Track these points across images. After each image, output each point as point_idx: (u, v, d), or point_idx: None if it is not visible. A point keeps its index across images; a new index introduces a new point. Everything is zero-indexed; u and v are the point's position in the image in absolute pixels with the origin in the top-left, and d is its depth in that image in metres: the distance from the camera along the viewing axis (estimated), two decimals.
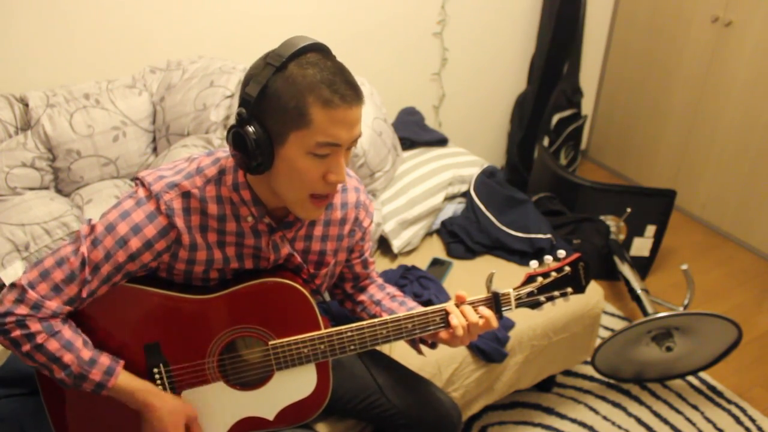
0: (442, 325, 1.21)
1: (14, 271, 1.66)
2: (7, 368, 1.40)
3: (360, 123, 1.04)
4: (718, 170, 2.95)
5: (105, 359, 1.10)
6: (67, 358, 1.07)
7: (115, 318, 1.15)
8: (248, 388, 1.24)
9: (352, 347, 1.20)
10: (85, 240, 1.07)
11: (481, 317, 1.19)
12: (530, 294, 1.23)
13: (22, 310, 1.04)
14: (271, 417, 1.26)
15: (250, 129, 1.00)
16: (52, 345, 1.06)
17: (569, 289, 1.25)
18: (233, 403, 1.23)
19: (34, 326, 1.05)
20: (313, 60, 0.99)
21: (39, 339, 1.05)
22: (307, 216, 1.11)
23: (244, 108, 1.01)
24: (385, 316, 1.31)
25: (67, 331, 1.08)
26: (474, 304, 1.21)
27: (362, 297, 1.40)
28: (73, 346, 1.07)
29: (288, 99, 0.98)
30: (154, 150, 2.08)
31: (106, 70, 2.12)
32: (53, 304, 1.06)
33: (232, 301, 1.17)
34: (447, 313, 1.20)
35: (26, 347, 1.05)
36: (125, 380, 1.12)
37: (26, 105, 1.92)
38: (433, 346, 1.29)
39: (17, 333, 1.04)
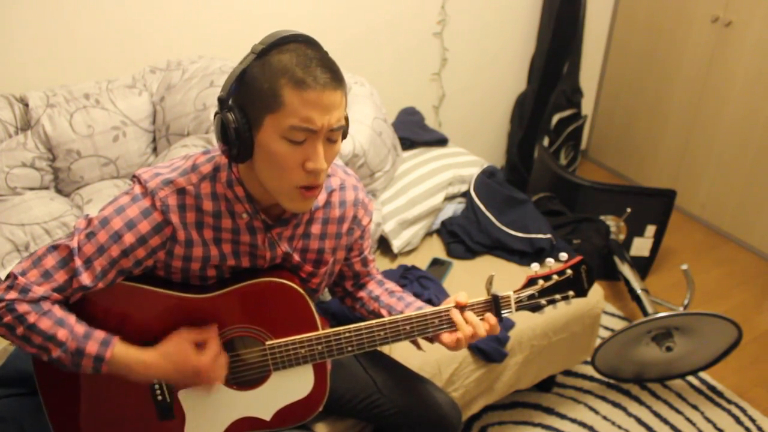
0: (441, 327, 1.20)
1: None
2: (7, 368, 1.40)
3: (340, 110, 1.02)
4: (718, 170, 2.95)
5: (100, 333, 1.10)
6: (61, 334, 1.06)
7: (113, 316, 1.15)
8: (245, 388, 1.23)
9: (350, 348, 1.19)
10: (80, 233, 1.09)
11: (482, 320, 1.19)
12: (531, 297, 1.23)
13: (11, 295, 1.06)
14: (267, 417, 1.26)
15: (229, 115, 1.01)
16: (44, 323, 1.06)
17: (571, 293, 1.24)
18: (230, 402, 1.23)
19: (22, 308, 1.05)
20: (293, 47, 0.99)
21: (30, 318, 1.05)
22: (295, 208, 1.09)
23: (224, 92, 1.02)
24: (384, 313, 1.32)
25: (58, 310, 1.08)
26: (473, 308, 1.21)
27: (361, 294, 1.41)
28: (65, 322, 1.07)
29: (262, 82, 0.98)
30: (154, 150, 2.08)
31: (106, 70, 2.12)
32: (41, 289, 1.06)
33: (229, 301, 1.17)
34: (446, 316, 1.20)
35: (20, 330, 1.06)
36: (123, 350, 1.10)
37: (26, 105, 1.92)
38: (431, 340, 1.29)
39: (8, 318, 1.06)
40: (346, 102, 1.05)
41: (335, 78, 1.00)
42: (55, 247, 1.08)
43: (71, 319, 1.09)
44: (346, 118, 1.07)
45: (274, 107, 0.98)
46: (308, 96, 0.97)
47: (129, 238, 1.08)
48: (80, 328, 1.08)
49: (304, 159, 1.02)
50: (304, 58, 0.98)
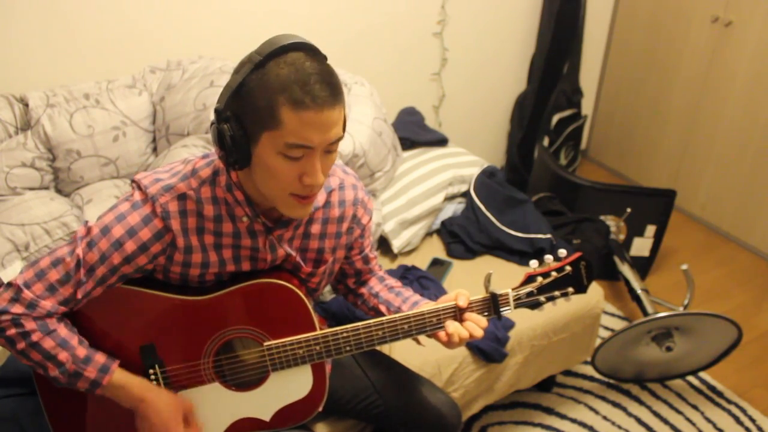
0: (439, 326, 1.20)
1: (14, 272, 1.66)
2: (7, 368, 1.40)
3: (338, 125, 1.01)
4: (718, 170, 2.95)
5: (100, 357, 1.10)
6: (62, 356, 1.07)
7: (111, 319, 1.15)
8: (244, 389, 1.23)
9: (348, 348, 1.19)
10: (81, 242, 1.08)
11: (468, 329, 1.19)
12: (530, 294, 1.23)
13: (17, 309, 1.05)
14: (267, 418, 1.26)
15: (225, 126, 1.00)
16: (48, 343, 1.06)
17: (570, 289, 1.24)
18: (229, 404, 1.23)
19: (29, 325, 1.05)
20: (291, 59, 0.97)
21: (34, 337, 1.05)
22: (293, 214, 1.09)
23: (221, 104, 1.01)
24: (382, 309, 1.33)
25: (63, 330, 1.08)
26: (472, 306, 1.21)
27: (362, 290, 1.41)
28: (68, 344, 1.08)
29: (259, 98, 0.97)
30: (154, 150, 2.08)
31: (106, 70, 2.12)
32: (48, 304, 1.06)
33: (227, 302, 1.17)
34: (444, 315, 1.19)
35: (21, 345, 1.06)
36: (120, 378, 1.11)
37: (26, 105, 1.92)
38: (430, 335, 1.28)
39: (12, 331, 1.05)
40: (345, 112, 1.04)
41: (334, 94, 0.98)
42: (59, 261, 1.07)
43: (74, 340, 1.09)
44: (344, 122, 1.07)
45: (271, 125, 0.97)
46: (306, 116, 0.96)
47: (130, 246, 1.08)
48: (82, 351, 1.09)
49: (301, 173, 1.02)
50: (303, 74, 0.95)
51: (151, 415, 1.13)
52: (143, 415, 1.13)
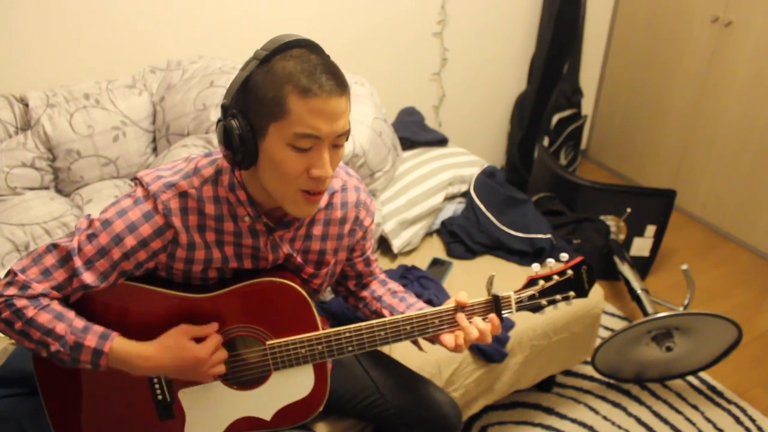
0: (441, 327, 1.20)
1: None
2: (7, 368, 1.40)
3: (345, 116, 1.02)
4: (718, 170, 2.95)
5: (98, 327, 1.10)
6: (60, 327, 1.07)
7: (114, 315, 1.15)
8: (245, 388, 1.23)
9: (350, 348, 1.19)
10: (81, 233, 1.09)
11: (479, 329, 1.19)
12: (531, 297, 1.23)
13: (10, 291, 1.06)
14: (268, 417, 1.26)
15: (233, 122, 1.00)
16: (43, 317, 1.06)
17: (571, 293, 1.24)
18: (230, 402, 1.24)
19: (20, 302, 1.06)
20: (296, 53, 0.99)
21: (28, 313, 1.06)
22: (299, 213, 1.09)
23: (227, 100, 1.02)
24: (386, 314, 1.32)
25: (57, 305, 1.09)
26: (474, 308, 1.21)
27: (364, 293, 1.41)
28: (64, 316, 1.08)
29: (267, 90, 0.98)
30: (154, 150, 2.08)
31: (106, 70, 2.12)
32: (40, 287, 1.07)
33: (230, 300, 1.17)
34: (446, 316, 1.20)
35: (18, 324, 1.06)
36: (121, 343, 1.10)
37: (26, 105, 1.92)
38: (432, 341, 1.29)
39: (7, 313, 1.06)
40: (350, 106, 1.05)
41: (340, 84, 0.99)
42: (55, 246, 1.08)
43: (71, 314, 1.09)
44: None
45: (279, 115, 0.98)
46: (314, 104, 0.97)
47: (130, 241, 1.08)
48: (79, 322, 1.09)
49: (309, 166, 1.02)
50: (309, 65, 0.97)
51: (165, 362, 1.11)
52: (160, 367, 1.12)
